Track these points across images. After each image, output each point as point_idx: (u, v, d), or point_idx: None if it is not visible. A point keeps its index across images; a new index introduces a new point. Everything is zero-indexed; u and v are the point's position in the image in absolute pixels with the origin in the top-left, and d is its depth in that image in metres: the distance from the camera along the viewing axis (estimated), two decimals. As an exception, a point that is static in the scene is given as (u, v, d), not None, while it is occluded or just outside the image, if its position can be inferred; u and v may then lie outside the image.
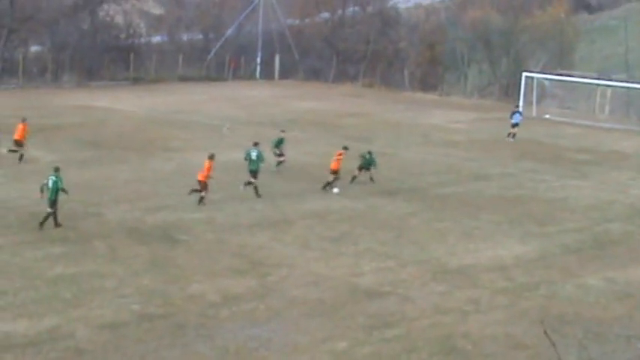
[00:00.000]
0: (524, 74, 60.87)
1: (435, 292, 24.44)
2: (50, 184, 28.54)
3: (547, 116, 58.64)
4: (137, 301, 22.38)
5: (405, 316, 22.44)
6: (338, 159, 36.32)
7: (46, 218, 28.51)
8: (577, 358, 20.49)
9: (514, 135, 49.43)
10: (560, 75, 61.49)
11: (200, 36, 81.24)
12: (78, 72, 69.58)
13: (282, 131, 41.53)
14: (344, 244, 28.62)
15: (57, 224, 28.64)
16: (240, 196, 34.23)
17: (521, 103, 58.83)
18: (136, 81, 70.46)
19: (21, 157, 38.63)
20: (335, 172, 36.03)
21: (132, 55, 71.53)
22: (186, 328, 20.84)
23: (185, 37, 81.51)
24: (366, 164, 37.51)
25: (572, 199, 36.67)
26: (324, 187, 35.87)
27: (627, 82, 59.62)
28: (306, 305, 22.83)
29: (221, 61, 76.45)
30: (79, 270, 24.70)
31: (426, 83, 74.55)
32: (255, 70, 78.02)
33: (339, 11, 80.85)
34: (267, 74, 77.39)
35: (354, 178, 37.24)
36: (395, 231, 30.44)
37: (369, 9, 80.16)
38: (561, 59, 68.71)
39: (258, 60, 77.87)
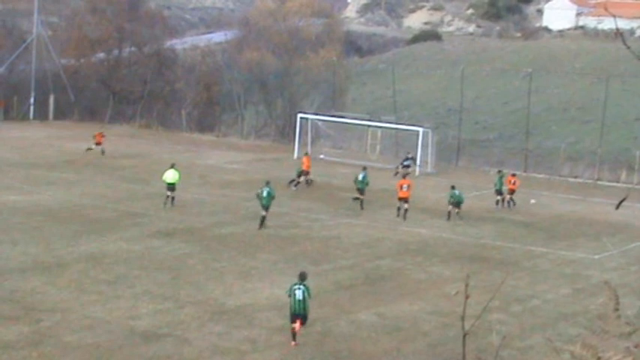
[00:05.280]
0: (299, 115, 62.23)
1: (213, 332, 24.66)
2: (265, 193, 37.65)
3: (322, 156, 60.17)
4: None
5: (182, 359, 22.52)
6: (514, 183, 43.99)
7: (262, 221, 37.36)
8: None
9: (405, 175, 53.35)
10: (334, 116, 63.23)
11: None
12: None
13: (364, 168, 46.27)
14: (120, 286, 28.41)
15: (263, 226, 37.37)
16: (12, 239, 33.35)
17: (296, 145, 60.27)
18: None
19: None
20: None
21: None
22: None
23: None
24: (457, 200, 42.30)
25: (344, 237, 37.83)
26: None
27: (396, 123, 62.08)
28: (81, 350, 22.52)
29: (-9, 101, 73.95)
30: None
31: (204, 124, 74.91)
32: (28, 110, 75.99)
33: (116, 51, 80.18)
34: (42, 115, 75.50)
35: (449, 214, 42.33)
36: (172, 272, 30.48)
37: (146, 49, 79.86)
38: (334, 101, 70.66)
39: (32, 100, 75.92)
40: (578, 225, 43.57)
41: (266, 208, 38.02)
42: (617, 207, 5.94)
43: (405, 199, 41.84)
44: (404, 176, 43.26)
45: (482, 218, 43.55)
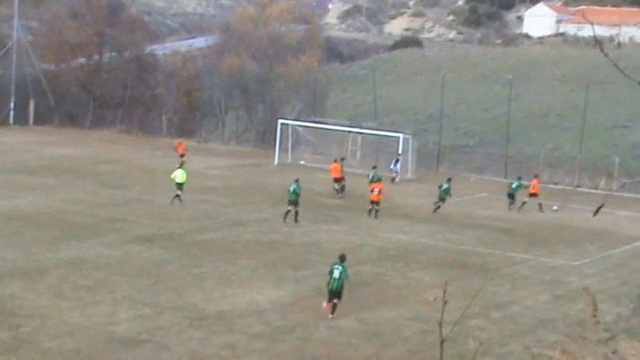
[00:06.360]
0: (280, 121, 62.18)
1: (193, 338, 24.61)
2: (291, 189, 40.65)
3: (302, 162, 60.14)
4: None
5: (161, 364, 22.44)
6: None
7: (287, 214, 40.26)
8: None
9: (393, 179, 55.09)
10: (314, 122, 63.19)
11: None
12: None
13: (374, 167, 49.74)
14: (100, 292, 28.31)
15: (296, 220, 40.33)
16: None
17: (277, 151, 60.23)
18: None
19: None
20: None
21: None
22: None
23: None
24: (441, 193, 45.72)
25: (325, 243, 37.81)
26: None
27: (376, 129, 62.09)
28: (60, 356, 22.42)
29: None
30: None
31: (184, 129, 74.67)
32: (8, 115, 75.59)
33: (96, 56, 79.86)
34: (22, 120, 75.11)
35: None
36: (152, 278, 30.39)
37: (127, 54, 79.61)
38: (315, 107, 70.67)
39: (12, 105, 75.52)
40: (558, 232, 43.73)
41: (292, 203, 40.56)
42: (595, 214, 5.98)
43: (376, 202, 43.60)
44: (376, 181, 45.35)
45: (462, 224, 43.64)
